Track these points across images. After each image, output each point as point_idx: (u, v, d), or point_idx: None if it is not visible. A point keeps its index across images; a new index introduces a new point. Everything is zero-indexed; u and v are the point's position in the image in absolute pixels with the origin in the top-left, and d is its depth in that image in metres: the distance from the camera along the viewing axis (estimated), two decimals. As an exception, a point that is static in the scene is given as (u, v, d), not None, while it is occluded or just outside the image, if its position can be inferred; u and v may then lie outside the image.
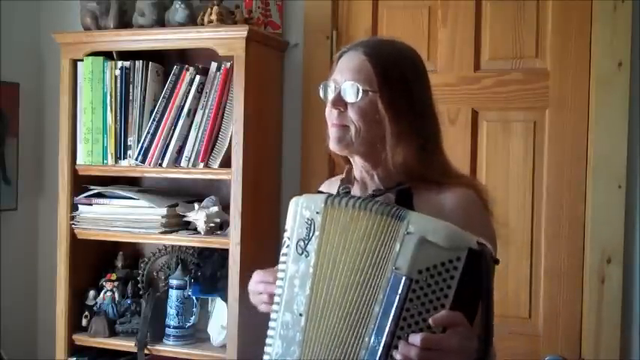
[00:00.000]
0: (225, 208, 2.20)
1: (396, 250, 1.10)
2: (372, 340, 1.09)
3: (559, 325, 2.12)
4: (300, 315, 1.18)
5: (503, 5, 2.19)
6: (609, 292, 2.07)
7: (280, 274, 1.22)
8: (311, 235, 1.20)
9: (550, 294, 2.12)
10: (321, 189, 1.51)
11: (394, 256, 1.10)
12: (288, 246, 1.22)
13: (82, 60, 2.32)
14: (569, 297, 2.12)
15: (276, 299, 1.22)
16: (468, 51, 2.22)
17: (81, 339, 2.34)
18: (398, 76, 1.28)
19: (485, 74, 2.21)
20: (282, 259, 1.22)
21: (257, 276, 1.34)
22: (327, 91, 1.32)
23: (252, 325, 2.12)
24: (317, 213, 1.20)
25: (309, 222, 1.20)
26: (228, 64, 2.15)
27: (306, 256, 1.19)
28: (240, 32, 2.10)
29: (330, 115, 1.31)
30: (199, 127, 2.18)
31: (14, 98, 2.59)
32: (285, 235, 1.23)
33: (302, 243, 1.20)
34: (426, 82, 1.34)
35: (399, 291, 1.07)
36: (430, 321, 1.06)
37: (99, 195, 2.32)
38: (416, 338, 1.05)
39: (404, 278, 1.07)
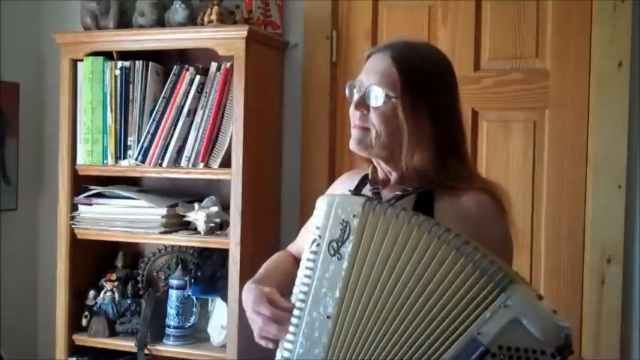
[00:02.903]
0: (225, 208, 2.20)
1: (485, 316, 1.06)
2: None
3: (559, 325, 2.12)
4: (328, 317, 1.16)
5: (503, 5, 2.19)
6: (609, 292, 2.07)
7: (308, 272, 1.20)
8: (345, 238, 1.17)
9: (550, 294, 2.12)
10: (338, 182, 1.51)
11: (482, 321, 1.06)
12: (318, 244, 1.19)
13: (82, 60, 2.32)
14: (569, 297, 2.12)
15: (302, 296, 1.19)
16: (468, 51, 2.22)
17: (81, 339, 2.34)
18: (421, 84, 1.28)
19: (485, 74, 2.21)
20: (310, 256, 1.20)
21: (266, 309, 1.25)
22: (352, 91, 1.33)
23: (252, 325, 2.13)
24: (353, 216, 1.16)
25: (344, 224, 1.17)
26: (228, 64, 2.15)
27: (339, 259, 1.17)
28: (240, 32, 2.10)
29: (353, 115, 1.32)
30: (199, 127, 2.18)
31: (14, 98, 2.59)
32: (316, 232, 1.20)
33: (335, 244, 1.17)
34: (453, 88, 1.34)
35: (473, 357, 1.05)
36: None
37: (99, 195, 2.32)
38: None
39: (483, 347, 1.05)
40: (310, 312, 1.18)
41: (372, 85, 1.28)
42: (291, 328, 1.20)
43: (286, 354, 1.20)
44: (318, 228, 1.20)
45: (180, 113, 2.20)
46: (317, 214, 1.21)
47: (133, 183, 2.45)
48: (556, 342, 1.05)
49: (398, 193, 1.28)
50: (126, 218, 2.27)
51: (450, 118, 1.32)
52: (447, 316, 1.08)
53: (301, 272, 1.22)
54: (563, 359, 1.05)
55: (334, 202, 1.19)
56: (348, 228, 1.17)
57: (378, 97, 1.27)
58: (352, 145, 1.32)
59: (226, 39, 2.12)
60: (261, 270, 1.47)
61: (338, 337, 1.15)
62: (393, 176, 1.35)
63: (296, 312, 1.20)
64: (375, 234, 1.15)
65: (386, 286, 1.12)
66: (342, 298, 1.16)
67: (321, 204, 1.21)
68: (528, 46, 2.17)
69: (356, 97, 1.31)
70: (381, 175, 1.37)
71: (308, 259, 1.20)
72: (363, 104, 1.29)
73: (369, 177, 1.38)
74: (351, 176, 1.48)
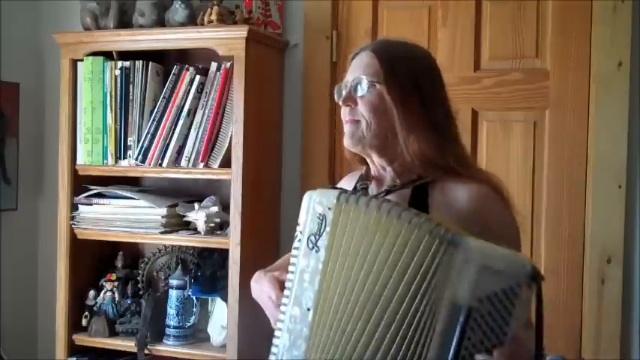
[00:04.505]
0: (225, 208, 2.20)
1: (453, 279, 1.06)
2: None
3: (559, 325, 2.12)
4: (308, 310, 1.18)
5: (503, 5, 2.19)
6: (609, 292, 2.07)
7: (291, 268, 1.22)
8: (322, 230, 1.19)
9: (550, 294, 2.12)
10: (340, 184, 1.51)
11: (452, 284, 1.06)
12: (299, 240, 1.21)
13: (82, 60, 2.32)
14: (569, 297, 2.12)
15: (286, 292, 1.21)
16: (468, 51, 2.22)
17: (81, 339, 2.34)
18: (404, 69, 1.30)
19: (485, 74, 2.21)
20: (293, 252, 1.22)
21: (268, 285, 1.31)
22: (340, 92, 1.35)
23: (252, 325, 2.13)
24: (329, 209, 1.19)
25: (321, 217, 1.19)
26: (228, 64, 2.15)
27: (317, 252, 1.19)
28: (240, 32, 2.10)
29: (344, 113, 1.34)
30: (199, 127, 2.18)
31: (14, 98, 2.59)
32: (298, 228, 1.22)
33: (313, 238, 1.20)
34: (437, 77, 1.36)
35: (460, 320, 1.05)
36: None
37: (99, 195, 2.32)
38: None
39: (464, 308, 1.05)
40: (293, 306, 1.20)
41: (355, 77, 1.31)
42: (278, 324, 1.22)
43: (274, 349, 1.22)
44: (299, 224, 1.22)
45: (180, 113, 2.20)
46: (300, 211, 1.24)
47: (133, 183, 2.45)
48: (525, 272, 1.05)
49: (386, 187, 1.30)
50: (126, 218, 2.27)
51: (437, 100, 1.33)
52: (417, 293, 1.08)
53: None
54: (539, 287, 1.05)
55: (312, 197, 1.22)
56: (324, 221, 1.19)
57: (363, 86, 1.30)
58: (346, 142, 1.34)
59: (226, 39, 2.12)
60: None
61: (317, 328, 1.17)
62: (388, 171, 1.35)
63: (282, 308, 1.22)
64: (348, 224, 1.16)
65: (359, 275, 1.14)
66: (320, 289, 1.17)
67: (303, 200, 1.24)
68: (528, 46, 2.17)
69: (343, 94, 1.33)
70: (374, 172, 1.38)
71: (292, 255, 1.23)
72: (350, 98, 1.32)
73: (362, 174, 1.39)
74: (352, 177, 1.49)
